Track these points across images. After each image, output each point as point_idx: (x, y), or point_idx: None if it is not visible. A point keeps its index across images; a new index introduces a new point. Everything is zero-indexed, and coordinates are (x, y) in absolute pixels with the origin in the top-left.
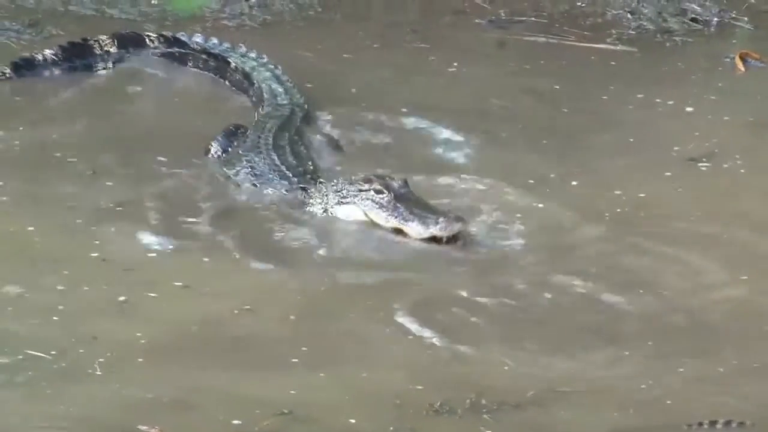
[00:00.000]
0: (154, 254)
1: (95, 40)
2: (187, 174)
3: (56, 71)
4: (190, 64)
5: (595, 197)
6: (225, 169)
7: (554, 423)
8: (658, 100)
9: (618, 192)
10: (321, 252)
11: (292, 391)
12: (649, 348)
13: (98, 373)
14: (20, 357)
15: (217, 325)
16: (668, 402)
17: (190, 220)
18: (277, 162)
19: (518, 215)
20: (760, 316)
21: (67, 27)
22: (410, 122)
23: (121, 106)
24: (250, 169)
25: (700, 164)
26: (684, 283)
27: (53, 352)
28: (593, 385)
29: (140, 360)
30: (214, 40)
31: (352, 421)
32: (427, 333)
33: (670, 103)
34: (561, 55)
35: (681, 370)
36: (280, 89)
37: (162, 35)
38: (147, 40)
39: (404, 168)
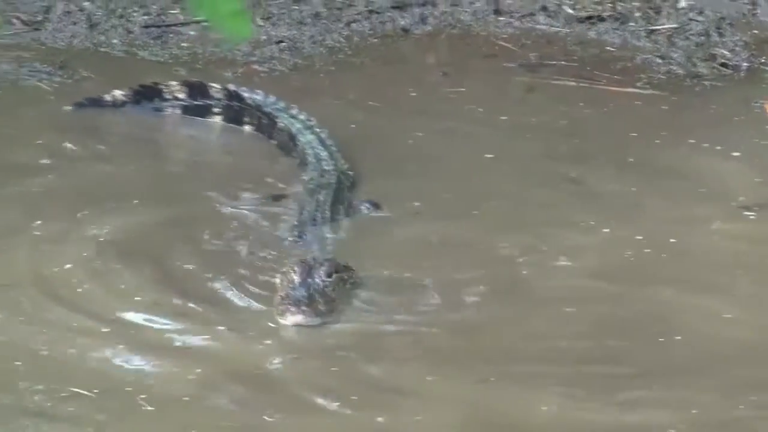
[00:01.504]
0: (203, 300)
1: (165, 85)
2: (233, 231)
3: (124, 111)
4: (246, 119)
5: (622, 243)
6: (283, 238)
7: None
8: (705, 145)
9: (641, 237)
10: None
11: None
12: (671, 396)
13: (149, 408)
14: (64, 394)
15: (264, 369)
16: None
17: (238, 270)
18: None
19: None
20: None
21: (97, 69)
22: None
23: (177, 153)
24: (301, 240)
25: (750, 212)
26: (704, 329)
27: (96, 390)
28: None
29: (186, 399)
30: (272, 98)
31: None
32: (446, 375)
33: (719, 148)
34: (598, 99)
35: (707, 415)
36: (324, 153)
37: (225, 88)
38: (211, 90)
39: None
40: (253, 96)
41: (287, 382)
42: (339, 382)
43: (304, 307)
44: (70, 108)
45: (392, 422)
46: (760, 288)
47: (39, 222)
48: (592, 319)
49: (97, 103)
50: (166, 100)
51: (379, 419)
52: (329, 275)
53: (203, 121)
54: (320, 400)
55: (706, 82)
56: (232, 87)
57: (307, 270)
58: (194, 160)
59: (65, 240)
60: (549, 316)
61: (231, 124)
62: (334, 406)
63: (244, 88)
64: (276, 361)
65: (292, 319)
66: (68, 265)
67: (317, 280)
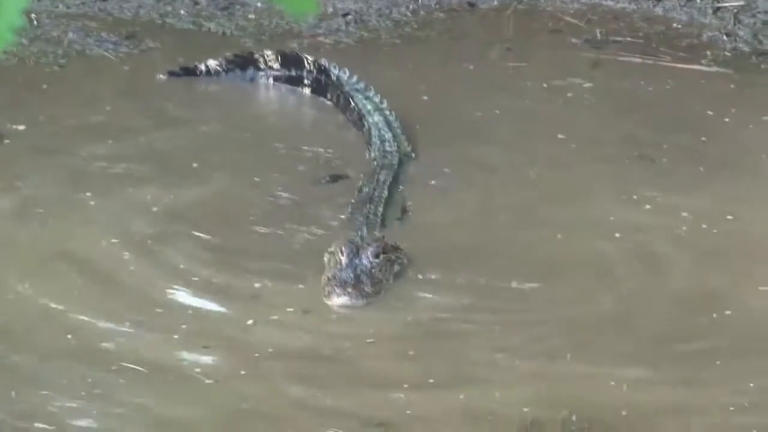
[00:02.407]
0: (263, 280)
1: (260, 55)
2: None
3: (218, 80)
4: (329, 95)
5: (678, 219)
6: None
7: None
8: None
9: (699, 214)
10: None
11: (390, 409)
12: (742, 373)
13: (208, 381)
14: (114, 368)
15: (335, 351)
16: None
17: (295, 248)
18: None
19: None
20: None
21: (164, 40)
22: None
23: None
24: (352, 217)
25: None
26: (754, 303)
27: (147, 367)
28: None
29: (243, 372)
30: (354, 78)
31: None
32: (519, 351)
33: None
34: (664, 76)
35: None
36: (389, 135)
37: (317, 61)
38: (306, 62)
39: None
40: (339, 73)
41: (361, 364)
42: (416, 364)
43: (349, 289)
44: (164, 77)
45: (473, 400)
46: None
47: (90, 193)
48: (651, 296)
49: (191, 72)
50: (261, 69)
51: (461, 396)
52: (377, 256)
53: (291, 91)
54: (397, 382)
55: None
56: (323, 61)
57: (355, 251)
58: (266, 132)
59: (119, 211)
60: (610, 290)
61: (316, 95)
62: (412, 387)
63: (334, 64)
64: (347, 345)
65: (337, 300)
66: (115, 240)
67: (364, 261)
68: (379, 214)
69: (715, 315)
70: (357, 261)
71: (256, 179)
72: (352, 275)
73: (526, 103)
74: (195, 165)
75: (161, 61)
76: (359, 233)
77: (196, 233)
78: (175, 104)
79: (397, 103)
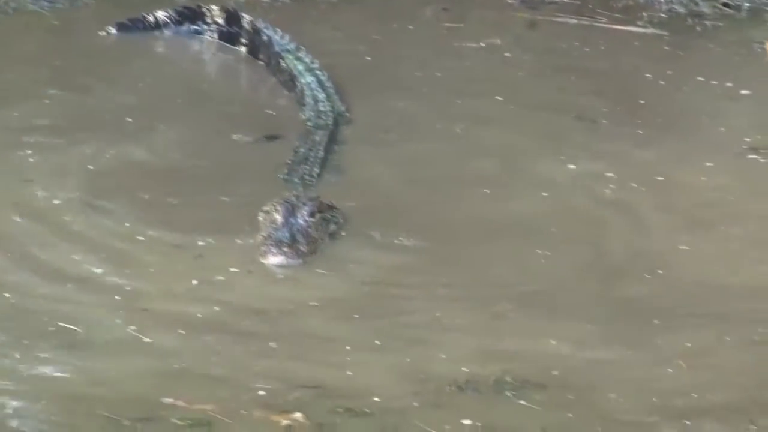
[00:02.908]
0: (213, 241)
1: (208, 9)
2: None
3: (166, 32)
4: (261, 55)
5: (604, 179)
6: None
7: (580, 404)
8: (714, 83)
9: (628, 174)
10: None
11: (331, 371)
12: (678, 333)
13: (146, 341)
14: (51, 328)
15: (272, 311)
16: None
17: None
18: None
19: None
20: None
21: None
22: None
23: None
24: (288, 177)
25: (757, 155)
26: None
27: (82, 326)
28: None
29: (181, 332)
30: (286, 39)
31: (377, 399)
32: (460, 311)
33: (729, 85)
34: (600, 38)
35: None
36: (322, 95)
37: (252, 22)
38: (243, 20)
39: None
40: (270, 33)
41: (304, 326)
42: (359, 327)
43: (285, 248)
44: (113, 29)
45: (415, 361)
46: (725, 227)
47: (29, 151)
48: (583, 255)
49: (139, 23)
50: (207, 24)
51: (407, 358)
52: (312, 215)
53: (229, 50)
54: (340, 345)
55: (707, 22)
56: (259, 22)
57: (290, 210)
58: (202, 91)
59: (56, 169)
60: (544, 251)
61: (251, 56)
62: (354, 349)
63: (267, 25)
64: (291, 306)
65: (273, 260)
66: (55, 198)
67: (300, 220)
68: (315, 174)
69: (647, 275)
70: (293, 220)
71: (191, 138)
72: (287, 234)
73: (464, 63)
74: (130, 120)
75: (96, 18)
76: (295, 192)
77: (136, 192)
78: (111, 61)
79: (332, 62)
